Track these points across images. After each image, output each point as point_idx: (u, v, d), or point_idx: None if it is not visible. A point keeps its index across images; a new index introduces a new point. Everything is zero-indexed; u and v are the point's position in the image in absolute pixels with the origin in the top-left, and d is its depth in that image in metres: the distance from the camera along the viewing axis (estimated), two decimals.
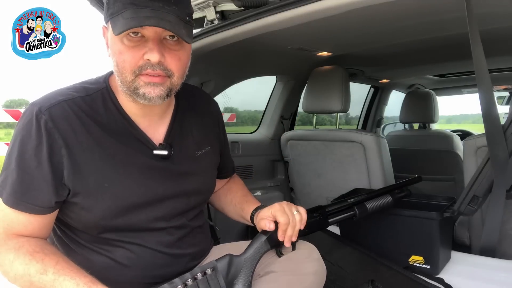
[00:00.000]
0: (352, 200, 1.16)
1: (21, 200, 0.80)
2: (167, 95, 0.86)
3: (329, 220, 1.08)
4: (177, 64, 0.84)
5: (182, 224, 0.97)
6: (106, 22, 0.85)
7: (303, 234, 1.00)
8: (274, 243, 0.94)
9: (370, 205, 1.18)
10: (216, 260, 0.86)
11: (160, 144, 0.93)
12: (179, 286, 0.79)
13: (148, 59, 0.80)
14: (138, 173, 0.89)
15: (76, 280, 0.74)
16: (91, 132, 0.84)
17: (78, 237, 0.90)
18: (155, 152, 0.91)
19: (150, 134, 0.92)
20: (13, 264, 0.78)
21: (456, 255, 1.43)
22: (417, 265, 1.33)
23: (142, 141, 0.91)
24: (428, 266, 1.31)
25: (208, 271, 0.83)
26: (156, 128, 0.94)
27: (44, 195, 0.81)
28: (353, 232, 1.50)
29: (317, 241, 1.10)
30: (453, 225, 1.49)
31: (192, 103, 1.05)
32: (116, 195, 0.85)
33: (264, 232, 0.94)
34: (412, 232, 1.33)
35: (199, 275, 0.82)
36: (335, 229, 1.60)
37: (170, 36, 0.82)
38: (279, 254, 0.98)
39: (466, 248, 1.50)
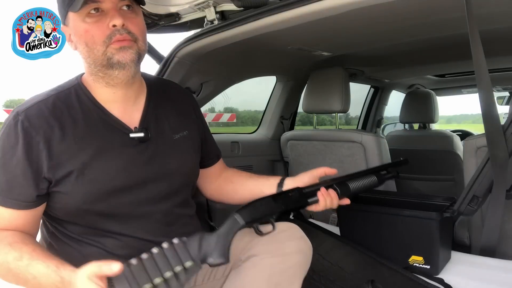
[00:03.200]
0: (333, 178, 1.09)
1: (7, 198, 0.87)
2: (138, 59, 0.92)
3: (308, 200, 1.03)
4: (137, 28, 0.91)
5: (168, 210, 0.98)
6: (65, 18, 0.92)
7: (283, 213, 0.97)
8: (248, 219, 0.91)
9: (353, 184, 1.11)
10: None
11: (135, 127, 0.96)
12: (144, 255, 0.76)
13: (114, 25, 0.87)
14: (116, 158, 0.92)
15: (47, 263, 0.78)
16: (67, 125, 0.90)
17: (68, 231, 0.93)
18: (132, 135, 0.95)
19: (125, 120, 0.97)
20: None
21: (456, 255, 1.42)
22: (417, 265, 1.33)
23: (117, 126, 0.95)
24: (428, 266, 1.31)
25: (175, 240, 0.79)
26: (130, 114, 0.98)
27: (26, 190, 0.86)
28: (353, 232, 1.50)
29: (317, 241, 1.10)
30: (453, 225, 1.49)
31: (166, 93, 1.09)
32: (96, 180, 0.89)
33: (238, 210, 0.91)
34: (412, 232, 1.33)
35: (165, 245, 0.77)
36: (335, 229, 1.60)
37: (126, 6, 0.91)
38: (258, 232, 0.94)
39: (466, 248, 1.49)
